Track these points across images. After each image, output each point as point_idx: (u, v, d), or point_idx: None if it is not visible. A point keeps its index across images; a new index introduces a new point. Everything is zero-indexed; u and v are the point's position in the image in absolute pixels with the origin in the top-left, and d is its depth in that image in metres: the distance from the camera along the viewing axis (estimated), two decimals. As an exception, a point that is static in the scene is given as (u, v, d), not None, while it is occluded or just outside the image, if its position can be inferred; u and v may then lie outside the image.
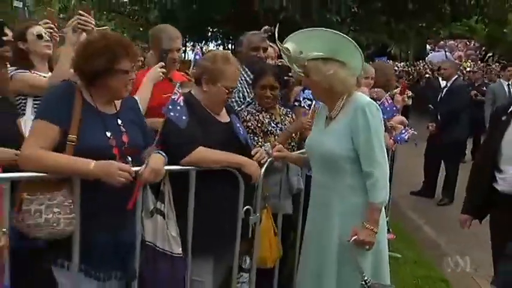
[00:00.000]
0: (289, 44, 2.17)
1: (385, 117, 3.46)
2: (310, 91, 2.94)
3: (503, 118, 2.83)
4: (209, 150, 2.26)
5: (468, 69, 19.65)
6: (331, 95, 2.21)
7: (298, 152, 2.73)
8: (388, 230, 2.83)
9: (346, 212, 2.16)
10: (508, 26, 30.20)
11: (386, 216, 2.63)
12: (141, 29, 14.84)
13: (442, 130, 5.93)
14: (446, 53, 18.80)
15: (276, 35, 2.22)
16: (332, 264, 2.17)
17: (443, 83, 6.52)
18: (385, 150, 2.19)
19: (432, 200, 6.32)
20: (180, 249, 2.20)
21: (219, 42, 29.49)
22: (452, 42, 23.93)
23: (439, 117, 6.06)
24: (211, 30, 19.99)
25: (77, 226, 1.89)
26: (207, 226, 2.26)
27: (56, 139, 1.88)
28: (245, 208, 2.35)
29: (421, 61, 24.29)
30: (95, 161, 1.84)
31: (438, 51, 18.82)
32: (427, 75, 16.23)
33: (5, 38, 2.23)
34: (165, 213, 2.19)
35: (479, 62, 28.06)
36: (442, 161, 6.28)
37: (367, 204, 2.13)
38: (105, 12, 15.66)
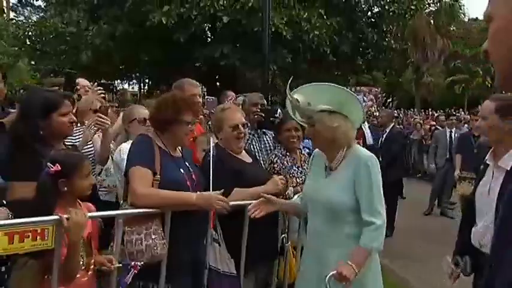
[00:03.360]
0: (298, 95, 2.28)
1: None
2: (308, 141, 3.49)
3: (481, 168, 2.65)
4: (243, 189, 2.66)
5: (376, 113, 22.09)
6: (332, 146, 2.31)
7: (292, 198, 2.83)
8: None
9: (341, 258, 2.18)
10: (403, 77, 34.70)
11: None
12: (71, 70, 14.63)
13: (384, 171, 6.79)
14: (364, 97, 21.00)
15: (288, 87, 2.34)
16: None
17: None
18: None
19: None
20: (234, 269, 2.60)
21: (134, 81, 29.68)
22: (364, 88, 26.73)
23: (380, 159, 6.96)
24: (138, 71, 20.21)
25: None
26: (252, 251, 2.69)
27: (151, 179, 2.26)
28: (282, 236, 2.83)
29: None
30: (196, 194, 2.28)
31: (358, 95, 21.01)
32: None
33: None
34: (219, 241, 2.61)
35: (382, 106, 31.52)
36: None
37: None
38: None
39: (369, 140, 7.13)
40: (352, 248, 2.18)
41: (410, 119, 17.49)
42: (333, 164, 2.33)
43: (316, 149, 2.54)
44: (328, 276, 2.10)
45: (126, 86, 29.41)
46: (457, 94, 31.20)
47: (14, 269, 2.04)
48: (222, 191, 2.43)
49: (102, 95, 3.24)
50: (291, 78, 2.46)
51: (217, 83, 15.97)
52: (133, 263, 2.16)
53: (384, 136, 7.06)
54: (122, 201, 2.45)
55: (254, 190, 2.65)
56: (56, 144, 2.41)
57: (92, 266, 2.18)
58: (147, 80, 26.54)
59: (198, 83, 3.54)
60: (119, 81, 25.80)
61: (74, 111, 2.69)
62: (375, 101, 29.64)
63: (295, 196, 2.78)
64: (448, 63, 30.54)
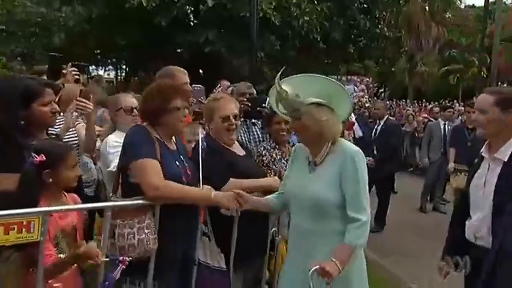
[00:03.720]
0: (286, 86, 2.30)
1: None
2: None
3: (476, 161, 2.73)
4: (239, 180, 2.75)
5: (367, 104, 22.33)
6: (319, 140, 2.35)
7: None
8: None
9: (327, 255, 2.21)
10: (396, 66, 35.12)
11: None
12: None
13: (378, 165, 6.82)
14: (355, 87, 21.22)
15: (278, 77, 2.33)
16: None
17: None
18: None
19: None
20: (225, 264, 2.69)
21: (110, 67, 29.40)
22: (354, 77, 26.94)
23: (375, 152, 7.02)
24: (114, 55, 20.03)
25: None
26: (242, 245, 2.77)
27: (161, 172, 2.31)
28: (273, 230, 2.93)
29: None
30: (214, 191, 2.37)
31: (348, 85, 21.15)
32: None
33: (64, 71, 2.61)
34: (210, 235, 2.69)
35: (374, 97, 31.85)
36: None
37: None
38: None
39: (358, 132, 7.21)
40: (337, 243, 2.24)
41: (402, 110, 17.74)
42: (317, 158, 2.38)
43: (298, 143, 2.60)
44: (311, 271, 2.15)
45: (101, 72, 29.06)
46: (451, 85, 31.74)
47: None
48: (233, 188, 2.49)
49: (77, 77, 3.23)
50: (282, 68, 2.49)
51: (200, 71, 15.94)
52: (121, 257, 2.21)
53: (379, 128, 7.17)
54: (110, 194, 2.48)
55: (251, 182, 2.73)
56: (38, 135, 2.43)
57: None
58: (124, 66, 26.34)
59: (185, 71, 3.59)
60: (93, 67, 25.48)
61: (57, 99, 2.70)
62: (366, 91, 30.04)
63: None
64: (443, 52, 31.03)
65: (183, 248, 2.48)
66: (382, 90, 41.99)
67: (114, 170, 2.71)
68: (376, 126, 7.22)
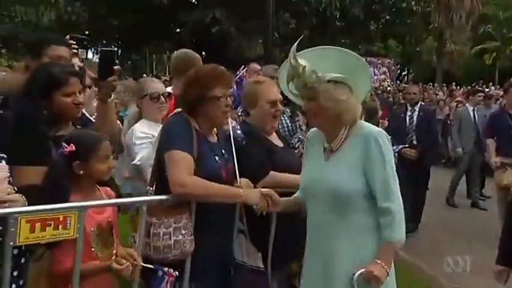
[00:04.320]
0: (302, 61, 2.21)
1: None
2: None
3: None
4: (280, 174, 2.82)
5: (389, 89, 22.28)
6: (336, 123, 2.29)
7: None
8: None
9: (349, 255, 2.21)
10: (422, 45, 34.92)
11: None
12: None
13: (420, 157, 6.75)
14: (375, 70, 21.19)
15: (294, 49, 2.28)
16: None
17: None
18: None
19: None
20: (262, 263, 2.78)
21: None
22: (373, 58, 26.90)
23: (414, 142, 6.82)
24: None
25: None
26: (279, 246, 2.86)
27: (193, 167, 2.40)
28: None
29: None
30: (243, 189, 2.45)
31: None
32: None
33: (116, 67, 2.69)
34: (246, 233, 2.80)
35: (397, 81, 31.74)
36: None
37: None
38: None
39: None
40: (362, 241, 2.21)
41: (432, 95, 17.65)
42: (334, 144, 2.32)
43: (313, 129, 2.55)
44: (356, 275, 2.14)
45: (90, 55, 29.12)
46: (486, 65, 31.48)
47: (31, 260, 2.19)
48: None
49: (75, 51, 3.29)
50: (299, 39, 2.40)
51: (203, 53, 16.01)
52: (166, 269, 2.32)
53: (415, 115, 7.02)
54: (148, 187, 2.57)
55: (293, 180, 2.69)
56: (62, 127, 2.49)
57: (114, 257, 2.31)
58: (115, 49, 26.39)
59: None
60: (83, 50, 25.52)
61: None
62: (388, 74, 29.95)
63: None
64: (477, 28, 30.72)
65: (220, 246, 2.57)
66: (405, 72, 41.86)
67: (138, 163, 2.83)
68: (409, 113, 7.09)
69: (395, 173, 2.24)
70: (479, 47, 31.28)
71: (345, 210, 2.23)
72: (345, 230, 2.24)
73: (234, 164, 2.64)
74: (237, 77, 4.74)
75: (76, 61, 2.97)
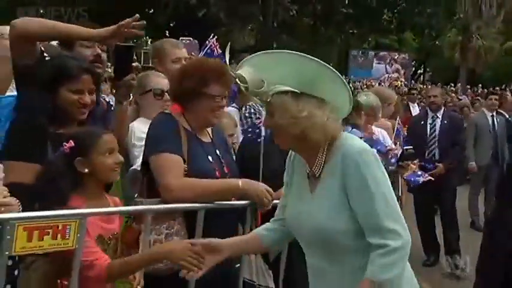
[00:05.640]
0: (246, 70, 2.15)
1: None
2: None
3: None
4: None
5: (405, 89, 22.50)
6: (305, 144, 2.21)
7: None
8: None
9: None
10: (442, 39, 35.26)
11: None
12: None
13: (443, 174, 6.67)
14: (386, 66, 21.57)
15: (227, 57, 2.39)
16: None
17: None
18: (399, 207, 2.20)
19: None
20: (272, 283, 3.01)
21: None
22: (385, 53, 27.27)
23: (436, 156, 6.85)
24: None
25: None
26: (292, 264, 3.08)
27: (183, 169, 2.66)
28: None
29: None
30: (241, 180, 2.68)
31: (378, 63, 21.48)
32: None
33: (134, 64, 2.91)
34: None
35: (411, 80, 32.05)
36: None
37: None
38: None
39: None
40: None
41: (455, 99, 17.94)
42: (315, 169, 2.25)
43: None
44: None
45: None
46: (518, 65, 31.88)
47: (21, 268, 2.36)
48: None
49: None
50: (228, 45, 2.54)
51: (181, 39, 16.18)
52: None
53: (438, 123, 7.01)
54: (136, 195, 2.79)
55: None
56: (65, 126, 2.66)
57: None
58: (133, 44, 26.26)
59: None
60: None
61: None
62: (402, 72, 30.15)
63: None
64: (509, 22, 31.16)
65: (226, 263, 2.75)
66: (421, 70, 42.24)
67: (139, 168, 3.04)
68: (431, 121, 7.08)
69: (391, 200, 2.13)
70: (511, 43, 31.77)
71: (336, 254, 2.20)
72: (343, 276, 2.20)
73: (232, 165, 2.93)
74: (206, 48, 4.88)
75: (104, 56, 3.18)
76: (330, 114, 2.17)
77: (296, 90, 2.12)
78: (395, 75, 25.09)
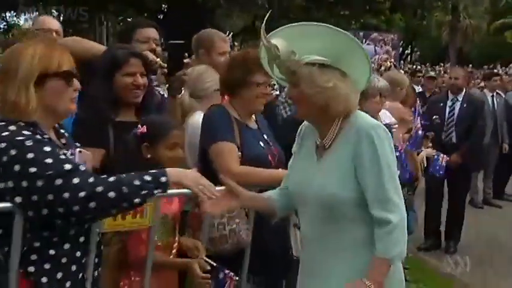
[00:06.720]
0: (278, 40, 2.20)
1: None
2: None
3: None
4: None
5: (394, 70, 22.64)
6: (325, 115, 2.28)
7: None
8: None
9: (347, 272, 2.22)
10: (429, 18, 35.34)
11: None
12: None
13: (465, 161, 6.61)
14: (375, 47, 21.66)
15: (263, 27, 2.29)
16: None
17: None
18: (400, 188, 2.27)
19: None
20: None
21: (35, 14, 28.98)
22: (376, 34, 27.34)
23: (453, 140, 6.74)
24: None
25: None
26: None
27: (238, 157, 2.87)
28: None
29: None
30: (282, 170, 2.84)
31: (367, 44, 21.48)
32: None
33: (185, 61, 3.16)
34: (300, 226, 3.25)
35: (400, 61, 32.18)
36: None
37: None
38: None
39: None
40: (362, 256, 2.23)
41: (447, 78, 18.03)
42: (326, 140, 2.33)
43: (306, 123, 2.54)
44: None
45: (22, 21, 28.49)
46: (506, 43, 31.93)
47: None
48: None
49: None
50: (269, 12, 2.50)
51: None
52: (227, 271, 2.70)
53: (457, 107, 6.87)
54: None
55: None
56: (124, 112, 2.92)
57: (175, 251, 2.75)
58: (55, 13, 25.83)
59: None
60: (12, 12, 24.84)
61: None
62: (392, 53, 30.20)
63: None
64: (497, 0, 31.15)
65: (279, 241, 3.01)
66: (408, 50, 42.29)
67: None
68: (450, 103, 6.93)
69: (396, 177, 2.24)
70: (499, 22, 31.75)
71: (337, 221, 2.26)
72: (340, 244, 2.27)
73: (278, 147, 3.13)
74: None
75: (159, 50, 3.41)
76: (351, 86, 2.26)
77: (326, 61, 2.19)
78: (385, 56, 25.12)
